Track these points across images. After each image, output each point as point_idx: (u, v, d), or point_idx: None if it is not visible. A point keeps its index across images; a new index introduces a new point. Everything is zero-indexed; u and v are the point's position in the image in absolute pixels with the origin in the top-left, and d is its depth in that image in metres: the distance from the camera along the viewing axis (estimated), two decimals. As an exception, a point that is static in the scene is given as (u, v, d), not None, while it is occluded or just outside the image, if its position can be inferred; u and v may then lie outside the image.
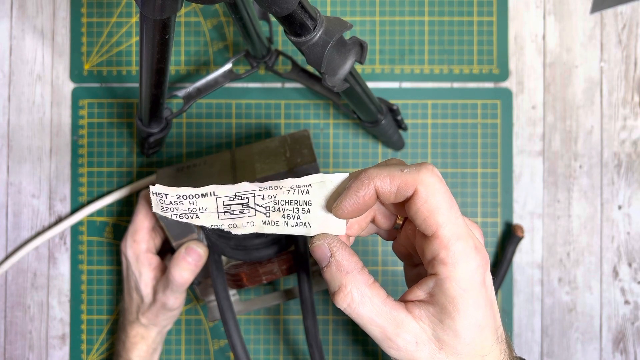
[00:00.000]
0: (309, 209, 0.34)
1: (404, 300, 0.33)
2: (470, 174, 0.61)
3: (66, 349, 0.62)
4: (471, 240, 0.31)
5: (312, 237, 0.34)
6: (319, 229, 0.34)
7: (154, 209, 0.35)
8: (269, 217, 0.35)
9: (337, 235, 0.34)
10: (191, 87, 0.57)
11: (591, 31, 0.61)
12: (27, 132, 0.62)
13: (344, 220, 0.34)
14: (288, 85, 0.62)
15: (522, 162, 0.61)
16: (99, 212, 0.61)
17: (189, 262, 0.49)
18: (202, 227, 0.50)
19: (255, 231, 0.35)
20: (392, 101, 0.55)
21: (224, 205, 0.34)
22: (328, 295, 0.61)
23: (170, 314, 0.53)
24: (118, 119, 0.62)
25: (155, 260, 0.53)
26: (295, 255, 0.49)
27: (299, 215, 0.34)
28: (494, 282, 0.59)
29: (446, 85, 0.61)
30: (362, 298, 0.32)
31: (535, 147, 0.61)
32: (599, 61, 0.61)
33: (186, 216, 0.34)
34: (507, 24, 0.61)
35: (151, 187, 0.34)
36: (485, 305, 0.31)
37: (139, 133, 0.55)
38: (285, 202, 0.34)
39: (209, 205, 0.34)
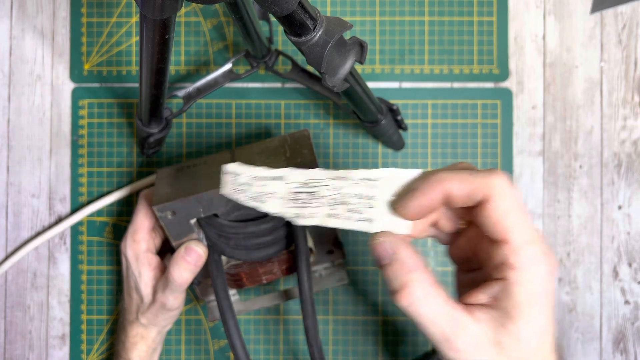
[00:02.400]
0: (373, 204, 0.33)
1: (463, 302, 0.32)
2: (470, 174, 0.61)
3: (66, 349, 0.62)
4: (541, 245, 0.30)
5: (372, 233, 0.33)
6: (381, 227, 0.33)
7: (224, 190, 0.34)
8: (334, 210, 0.34)
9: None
10: (191, 87, 0.57)
11: (591, 31, 0.61)
12: (27, 132, 0.62)
13: (410, 221, 0.33)
14: (288, 85, 0.62)
15: (522, 162, 0.61)
16: (99, 212, 0.62)
17: (189, 261, 0.49)
18: (201, 227, 0.50)
19: (317, 224, 0.34)
20: (392, 101, 0.55)
21: (292, 192, 0.34)
22: (328, 295, 0.61)
23: (169, 314, 0.54)
24: (118, 119, 0.62)
25: (155, 260, 0.53)
26: (295, 255, 0.49)
27: (363, 210, 0.33)
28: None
29: (446, 85, 0.61)
30: (425, 297, 0.31)
31: (535, 147, 0.61)
32: (599, 61, 0.61)
33: (255, 199, 0.34)
34: (507, 24, 0.61)
35: (226, 166, 0.33)
36: (549, 312, 0.31)
37: (139, 133, 0.55)
38: (352, 195, 0.33)
39: (278, 190, 0.34)
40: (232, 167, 0.33)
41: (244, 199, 0.34)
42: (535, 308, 0.30)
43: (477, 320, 0.31)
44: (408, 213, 0.32)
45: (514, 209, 0.30)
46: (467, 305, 0.32)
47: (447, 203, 0.32)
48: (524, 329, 0.30)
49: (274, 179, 0.33)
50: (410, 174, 0.32)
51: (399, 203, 0.32)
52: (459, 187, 0.31)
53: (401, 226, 0.33)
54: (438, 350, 0.32)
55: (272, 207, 0.34)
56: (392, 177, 0.32)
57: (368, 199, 0.33)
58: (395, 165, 0.61)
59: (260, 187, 0.34)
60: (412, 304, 0.31)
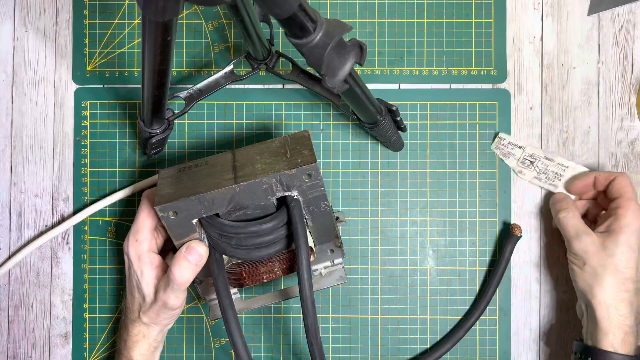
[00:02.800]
0: (561, 178, 0.60)
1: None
2: (469, 174, 0.61)
3: (69, 348, 0.62)
4: (638, 205, 0.54)
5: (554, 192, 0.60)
6: (561, 188, 0.60)
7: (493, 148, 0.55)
8: (537, 176, 0.61)
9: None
10: (193, 88, 0.57)
11: (588, 33, 0.62)
12: (30, 132, 0.62)
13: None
14: (288, 86, 0.62)
15: (520, 163, 0.61)
16: (101, 212, 0.62)
17: (190, 261, 0.49)
18: (203, 227, 0.50)
19: (526, 180, 0.61)
20: (391, 102, 0.56)
21: (524, 158, 0.60)
22: (328, 294, 0.61)
23: (171, 313, 0.54)
24: (120, 120, 0.62)
25: (157, 259, 0.54)
26: (296, 255, 0.49)
27: (555, 181, 0.60)
28: (492, 281, 0.60)
29: (445, 86, 0.62)
30: (572, 216, 0.56)
31: (533, 148, 0.61)
32: (596, 62, 0.62)
33: (505, 155, 0.61)
34: (505, 25, 0.62)
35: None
36: (637, 236, 0.53)
37: (141, 134, 0.55)
38: (551, 172, 0.60)
39: (518, 154, 0.61)
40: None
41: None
42: (630, 230, 0.53)
43: (593, 234, 0.54)
44: (573, 190, 0.59)
45: (629, 183, 0.55)
46: (595, 230, 0.55)
47: (594, 186, 0.57)
48: (619, 239, 0.53)
49: (520, 147, 0.60)
50: (582, 169, 0.59)
51: (571, 184, 0.59)
52: (600, 177, 0.57)
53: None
54: (569, 245, 0.55)
55: (510, 162, 0.61)
56: (574, 168, 0.59)
57: (559, 175, 0.60)
58: (395, 165, 0.61)
59: (510, 149, 0.61)
60: (565, 218, 0.56)
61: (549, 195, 0.61)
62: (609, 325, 0.52)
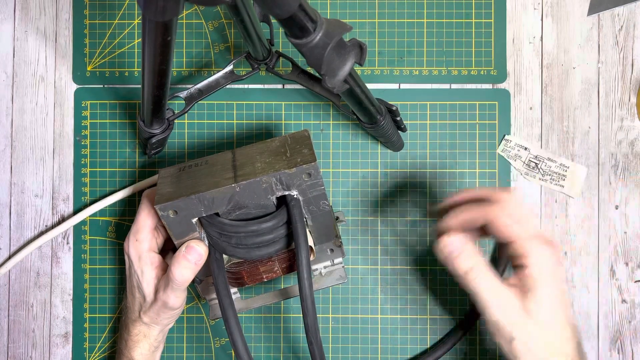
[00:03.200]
0: (563, 181, 0.60)
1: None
2: (469, 174, 0.61)
3: (69, 348, 0.62)
4: (541, 237, 0.44)
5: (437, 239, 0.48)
6: (567, 188, 0.60)
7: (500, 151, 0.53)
8: (542, 178, 0.60)
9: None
10: (193, 88, 0.57)
11: (588, 33, 0.62)
12: (30, 132, 0.63)
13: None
14: (288, 86, 0.62)
15: (520, 163, 0.61)
16: (101, 212, 0.62)
17: (189, 260, 0.49)
18: (203, 226, 0.50)
19: (536, 183, 0.59)
20: (391, 102, 0.56)
21: (530, 160, 0.59)
22: (328, 293, 0.61)
23: (171, 313, 0.54)
24: (120, 120, 0.62)
25: (157, 259, 0.54)
26: (295, 254, 0.49)
27: (557, 182, 0.60)
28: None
29: (445, 86, 0.62)
30: (483, 276, 0.45)
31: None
32: (596, 62, 0.62)
33: (511, 157, 0.59)
34: (505, 25, 0.62)
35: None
36: (559, 282, 0.44)
37: (141, 134, 0.55)
38: (554, 173, 0.59)
39: (524, 156, 0.59)
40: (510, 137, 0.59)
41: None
42: (545, 280, 0.43)
43: (512, 294, 0.44)
44: (442, 229, 0.48)
45: (510, 222, 0.44)
46: (509, 285, 0.45)
47: (469, 227, 0.47)
48: (539, 295, 0.43)
49: (525, 148, 0.59)
50: (583, 169, 0.60)
51: (443, 225, 0.48)
52: (471, 217, 0.47)
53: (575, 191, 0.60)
54: (483, 316, 0.45)
55: (516, 164, 0.60)
56: (574, 169, 0.60)
57: (562, 176, 0.60)
58: (395, 165, 0.62)
59: (517, 151, 0.59)
60: (474, 280, 0.45)
61: (549, 195, 0.61)
62: None
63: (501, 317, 0.44)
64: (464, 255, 0.46)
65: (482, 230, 0.48)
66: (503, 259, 0.57)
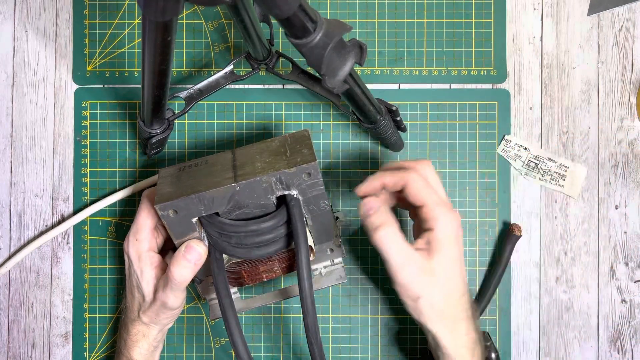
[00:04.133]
0: (563, 181, 0.60)
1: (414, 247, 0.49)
2: (469, 174, 0.61)
3: (69, 347, 0.62)
4: (446, 205, 0.48)
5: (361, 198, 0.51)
6: (567, 188, 0.61)
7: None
8: (542, 178, 0.60)
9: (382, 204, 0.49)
10: (193, 89, 0.57)
11: (588, 33, 0.62)
12: (30, 132, 0.63)
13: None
14: (288, 86, 0.62)
15: (519, 163, 0.61)
16: (101, 212, 0.62)
17: (189, 260, 0.49)
18: (203, 226, 0.50)
19: (536, 183, 0.60)
20: (391, 102, 0.56)
21: (530, 160, 0.59)
22: (328, 293, 0.61)
23: (171, 313, 0.54)
24: (120, 120, 0.62)
25: (156, 258, 0.54)
26: (295, 254, 0.50)
27: (557, 182, 0.60)
28: (492, 281, 0.60)
29: (445, 86, 0.62)
30: (391, 236, 0.47)
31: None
32: (596, 62, 0.62)
33: (510, 157, 0.60)
34: (504, 26, 0.62)
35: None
36: (459, 247, 0.48)
37: (141, 134, 0.55)
38: (554, 173, 0.60)
39: (525, 156, 0.60)
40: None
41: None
42: (449, 242, 0.47)
43: (419, 255, 0.47)
44: (360, 192, 0.50)
45: (423, 187, 0.48)
46: (415, 248, 0.48)
47: (386, 188, 0.50)
48: (443, 256, 0.47)
49: (525, 148, 0.60)
50: (583, 169, 0.60)
51: (360, 190, 0.50)
52: (389, 183, 0.49)
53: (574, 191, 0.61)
54: (391, 276, 0.48)
55: (516, 164, 0.60)
56: (574, 169, 0.60)
57: (562, 176, 0.60)
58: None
59: (517, 151, 0.60)
60: (382, 239, 0.47)
61: (549, 195, 0.61)
62: (455, 350, 0.49)
63: (408, 278, 0.47)
64: (377, 214, 0.48)
65: (400, 200, 0.52)
66: (415, 223, 0.55)
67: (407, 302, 0.49)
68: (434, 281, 0.47)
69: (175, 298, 0.52)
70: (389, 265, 0.48)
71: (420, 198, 0.48)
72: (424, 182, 0.48)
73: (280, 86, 0.62)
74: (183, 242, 0.50)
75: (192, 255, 0.49)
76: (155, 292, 0.53)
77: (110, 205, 0.62)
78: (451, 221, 0.48)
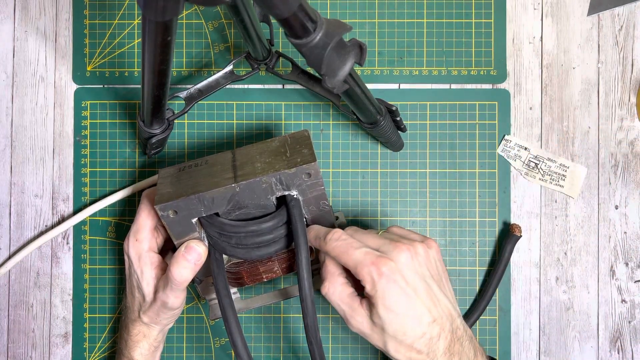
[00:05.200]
0: (563, 181, 0.60)
1: (361, 295, 0.48)
2: (469, 174, 0.61)
3: (69, 348, 0.62)
4: (366, 260, 0.46)
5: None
6: (567, 188, 0.61)
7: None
8: (542, 178, 0.60)
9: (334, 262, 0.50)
10: (192, 88, 0.57)
11: (588, 33, 0.62)
12: (30, 132, 0.63)
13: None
14: (288, 86, 0.62)
15: (519, 163, 0.61)
16: (101, 212, 0.62)
17: (189, 260, 0.49)
18: (203, 226, 0.50)
19: (536, 183, 0.60)
20: (391, 102, 0.56)
21: (530, 160, 0.59)
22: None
23: (171, 313, 0.54)
24: (120, 120, 0.62)
25: (156, 259, 0.54)
26: (295, 254, 0.50)
27: (557, 182, 0.60)
28: (492, 281, 0.60)
29: (445, 86, 0.62)
30: (336, 289, 0.48)
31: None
32: (596, 62, 0.62)
33: (511, 157, 0.60)
34: (504, 26, 0.62)
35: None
36: (399, 288, 0.45)
37: (141, 134, 0.55)
38: (554, 173, 0.60)
39: (524, 156, 0.60)
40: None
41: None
42: (383, 292, 0.45)
43: (363, 307, 0.47)
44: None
45: (341, 254, 0.47)
46: (361, 297, 0.48)
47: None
48: (382, 306, 0.46)
49: (525, 148, 0.60)
50: (583, 169, 0.60)
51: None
52: (313, 243, 0.50)
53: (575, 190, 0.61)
54: (344, 321, 0.49)
55: (516, 164, 0.60)
56: (574, 169, 0.60)
57: (562, 176, 0.60)
58: (395, 165, 0.62)
59: (517, 151, 0.60)
60: (328, 293, 0.49)
61: (549, 195, 0.61)
62: None
63: (359, 328, 0.48)
64: (323, 268, 0.50)
65: None
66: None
67: (377, 347, 0.48)
68: (377, 332, 0.47)
69: (176, 298, 0.52)
70: (340, 316, 0.49)
71: (343, 263, 0.47)
72: (341, 248, 0.47)
73: (280, 86, 0.62)
74: (183, 243, 0.50)
75: (192, 255, 0.49)
76: (156, 292, 0.53)
77: (110, 205, 0.62)
78: (376, 275, 0.45)
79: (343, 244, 0.47)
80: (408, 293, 0.46)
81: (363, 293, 0.48)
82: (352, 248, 0.47)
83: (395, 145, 0.60)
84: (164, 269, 0.53)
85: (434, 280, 0.48)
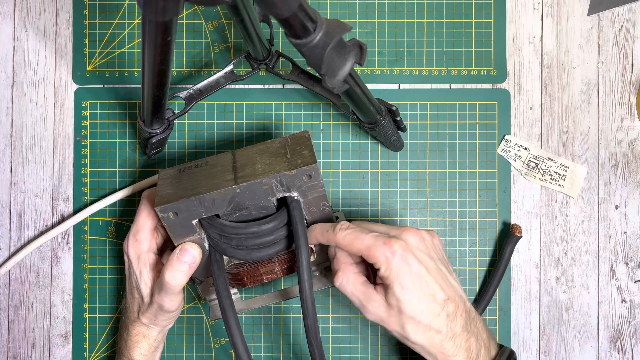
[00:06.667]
0: (563, 181, 0.60)
1: (374, 283, 0.49)
2: (469, 174, 0.61)
3: (69, 348, 0.62)
4: (378, 240, 0.47)
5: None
6: (567, 188, 0.61)
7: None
8: (542, 178, 0.60)
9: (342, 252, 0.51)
10: (193, 88, 0.57)
11: (588, 33, 0.62)
12: (30, 132, 0.63)
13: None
14: (288, 86, 0.62)
15: (520, 163, 0.61)
16: (101, 212, 0.62)
17: (183, 263, 0.49)
18: (203, 227, 0.50)
19: (536, 183, 0.60)
20: (391, 102, 0.56)
21: (530, 160, 0.60)
22: (328, 294, 0.61)
23: (168, 315, 0.53)
24: (120, 120, 0.62)
25: (155, 260, 0.53)
26: (296, 255, 0.50)
27: (557, 182, 0.60)
28: (492, 281, 0.60)
29: (445, 86, 0.62)
30: (349, 279, 0.49)
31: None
32: (596, 62, 0.62)
33: (511, 157, 0.60)
34: (504, 25, 0.62)
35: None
36: (411, 269, 0.46)
37: (141, 134, 0.55)
38: (554, 173, 0.60)
39: (524, 156, 0.60)
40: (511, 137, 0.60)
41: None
42: (397, 273, 0.46)
43: (378, 293, 0.48)
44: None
45: (351, 240, 0.48)
46: (375, 284, 0.49)
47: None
48: (398, 286, 0.46)
49: (525, 148, 0.60)
50: (583, 169, 0.61)
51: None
52: (320, 239, 0.50)
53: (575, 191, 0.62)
54: (363, 314, 0.49)
55: (516, 164, 0.60)
56: (574, 169, 0.60)
57: (562, 176, 0.60)
58: (395, 165, 0.62)
59: (517, 151, 0.60)
60: (340, 285, 0.49)
61: (549, 195, 0.61)
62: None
63: (376, 315, 0.48)
64: (334, 261, 0.51)
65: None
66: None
67: (395, 334, 0.48)
68: (393, 314, 0.47)
69: (171, 302, 0.51)
70: (355, 306, 0.49)
71: (355, 250, 0.48)
72: (350, 235, 0.48)
73: (280, 86, 0.62)
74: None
75: (186, 258, 0.49)
76: (152, 294, 0.52)
77: (110, 205, 0.62)
78: (389, 254, 0.46)
79: (352, 232, 0.48)
80: (421, 272, 0.47)
81: (375, 281, 0.49)
82: (362, 234, 0.48)
83: (395, 145, 0.60)
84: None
85: (442, 263, 0.49)
